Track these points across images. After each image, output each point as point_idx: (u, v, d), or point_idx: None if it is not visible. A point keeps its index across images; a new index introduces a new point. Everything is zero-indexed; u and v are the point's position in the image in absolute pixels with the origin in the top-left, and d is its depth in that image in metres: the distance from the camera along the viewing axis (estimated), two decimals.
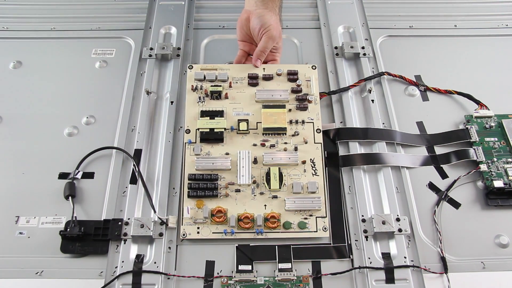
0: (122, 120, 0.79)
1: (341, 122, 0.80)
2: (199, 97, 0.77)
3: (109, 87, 0.85)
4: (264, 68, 0.81)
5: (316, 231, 0.67)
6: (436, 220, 0.69)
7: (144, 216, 0.68)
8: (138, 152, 0.75)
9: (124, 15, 0.97)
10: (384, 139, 0.77)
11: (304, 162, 0.72)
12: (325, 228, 0.67)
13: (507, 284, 0.64)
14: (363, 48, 0.89)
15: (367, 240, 0.67)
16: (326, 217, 0.68)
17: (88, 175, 0.73)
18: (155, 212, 0.68)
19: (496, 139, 0.76)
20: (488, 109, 0.80)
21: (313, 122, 0.76)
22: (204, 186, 0.69)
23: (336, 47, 0.90)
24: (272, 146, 0.73)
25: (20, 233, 0.68)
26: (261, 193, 0.70)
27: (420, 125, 0.80)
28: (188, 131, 0.74)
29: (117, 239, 0.66)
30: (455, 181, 0.73)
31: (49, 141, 0.78)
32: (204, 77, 0.79)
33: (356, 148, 0.76)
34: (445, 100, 0.84)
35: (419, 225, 0.69)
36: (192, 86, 0.78)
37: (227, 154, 0.72)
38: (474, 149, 0.75)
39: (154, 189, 0.72)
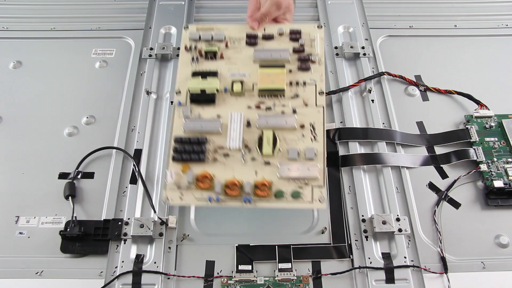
0: (122, 120, 0.79)
1: (341, 122, 0.80)
2: (193, 58, 0.70)
3: (109, 87, 0.85)
4: (264, 28, 0.73)
5: (312, 202, 0.60)
6: (436, 220, 0.69)
7: (144, 216, 0.68)
8: (138, 152, 0.75)
9: (124, 15, 0.97)
10: (384, 139, 0.77)
11: (302, 127, 0.64)
12: (322, 199, 0.60)
13: (507, 284, 0.64)
14: (363, 48, 0.89)
15: (367, 240, 0.67)
16: (323, 187, 0.60)
17: (88, 175, 0.73)
18: (155, 212, 0.68)
19: (496, 139, 0.76)
20: (488, 109, 0.80)
21: (315, 84, 0.67)
22: (190, 149, 0.62)
23: (336, 47, 0.90)
24: (268, 108, 0.66)
25: (20, 233, 0.68)
26: (253, 159, 0.62)
27: (420, 125, 0.80)
28: (178, 93, 0.67)
29: (117, 239, 0.66)
30: (455, 181, 0.73)
31: (49, 141, 0.78)
32: (200, 37, 0.72)
33: (356, 148, 0.76)
34: (445, 100, 0.84)
35: (419, 225, 0.69)
36: (186, 46, 0.71)
37: (218, 116, 0.65)
38: (474, 149, 0.75)
39: (154, 189, 0.72)
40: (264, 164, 0.62)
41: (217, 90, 0.67)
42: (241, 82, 0.67)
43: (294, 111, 0.65)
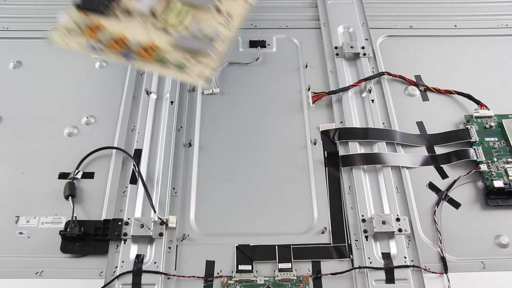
0: (122, 120, 0.79)
1: (341, 122, 0.80)
2: None
3: (109, 87, 0.85)
4: None
5: (193, 76, 0.58)
6: (436, 220, 0.69)
7: (144, 216, 0.68)
8: (138, 152, 0.75)
9: None
10: (384, 139, 0.77)
11: (218, 11, 0.63)
12: (204, 77, 0.58)
13: (507, 284, 0.64)
14: (363, 48, 0.89)
15: (367, 240, 0.67)
16: (212, 69, 0.58)
17: (88, 175, 0.73)
18: (155, 212, 0.68)
19: (496, 139, 0.76)
20: (488, 109, 0.80)
21: None
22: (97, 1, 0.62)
23: (336, 47, 0.90)
24: None
25: (20, 233, 0.68)
26: (153, 24, 0.61)
27: (420, 125, 0.80)
28: None
29: (117, 239, 0.66)
30: (455, 181, 0.73)
31: (49, 141, 0.78)
32: None
33: (356, 148, 0.76)
34: (445, 100, 0.84)
35: (419, 225, 0.69)
36: None
37: None
38: (474, 149, 0.75)
39: (154, 189, 0.72)
40: (162, 31, 0.60)
41: None
42: None
43: None
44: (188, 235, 0.67)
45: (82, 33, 0.60)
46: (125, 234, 0.66)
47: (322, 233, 0.68)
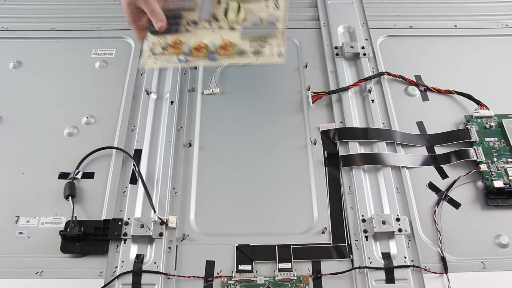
0: (122, 120, 0.79)
1: (341, 122, 0.80)
2: None
3: (109, 87, 0.85)
4: None
5: (271, 57, 0.67)
6: (436, 220, 0.69)
7: (144, 216, 0.68)
8: (138, 152, 0.75)
9: (124, 15, 0.96)
10: (384, 139, 0.77)
11: None
12: (280, 54, 0.67)
13: (507, 284, 0.64)
14: (363, 48, 0.89)
15: (367, 240, 0.67)
16: (282, 46, 0.69)
17: (88, 175, 0.73)
18: (155, 212, 0.68)
19: (496, 139, 0.76)
20: (488, 109, 0.80)
21: None
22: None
23: (336, 47, 0.90)
24: None
25: (20, 233, 0.68)
26: (220, 27, 0.71)
27: (420, 125, 0.80)
28: None
29: (117, 239, 0.66)
30: (455, 181, 0.73)
31: (49, 141, 0.78)
32: None
33: (356, 148, 0.76)
34: (445, 100, 0.84)
35: (419, 225, 0.69)
36: None
37: None
38: (474, 149, 0.75)
39: (154, 189, 0.72)
40: (230, 30, 0.71)
41: None
42: None
43: None
44: (188, 235, 0.68)
45: (167, 52, 0.69)
46: (125, 234, 0.66)
47: (322, 233, 0.68)
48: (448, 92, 0.84)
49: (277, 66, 0.88)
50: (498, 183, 0.70)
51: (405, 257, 0.65)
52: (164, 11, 0.72)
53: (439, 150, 0.77)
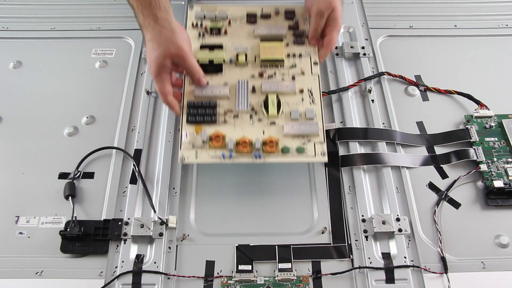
0: (122, 120, 0.79)
1: (341, 122, 0.80)
2: (199, 33, 0.78)
3: (109, 87, 0.85)
4: (262, 8, 0.81)
5: (315, 156, 0.67)
6: (436, 220, 0.69)
7: (144, 216, 0.68)
8: (138, 152, 0.75)
9: (124, 15, 0.97)
10: (384, 139, 0.77)
11: (301, 91, 0.72)
12: (323, 153, 0.67)
13: (507, 284, 0.64)
14: (363, 48, 0.89)
15: (367, 240, 0.67)
16: (324, 143, 0.68)
17: (88, 175, 0.73)
18: (155, 212, 0.68)
19: (496, 139, 0.76)
20: (488, 109, 0.80)
21: (310, 56, 0.76)
22: (202, 112, 0.69)
23: (336, 47, 0.90)
24: (270, 76, 0.73)
25: (20, 233, 0.68)
26: (259, 120, 0.69)
27: (420, 125, 0.80)
28: None
29: (117, 239, 0.66)
30: (455, 181, 0.73)
31: (49, 141, 0.78)
32: (204, 16, 0.80)
33: (356, 148, 0.76)
34: (445, 100, 0.84)
35: (419, 225, 0.69)
36: (193, 23, 0.79)
37: (225, 84, 0.72)
38: (474, 149, 0.75)
39: (154, 189, 0.72)
40: (270, 124, 0.69)
41: (224, 61, 0.74)
42: (245, 54, 0.75)
43: (293, 78, 0.73)
44: (188, 235, 0.67)
45: (208, 146, 0.67)
46: (125, 234, 0.66)
47: (322, 233, 0.68)
48: (448, 92, 0.84)
49: None
50: (498, 183, 0.70)
51: (405, 257, 0.65)
52: (198, 99, 0.70)
53: (439, 150, 0.77)
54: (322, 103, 0.71)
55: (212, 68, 0.73)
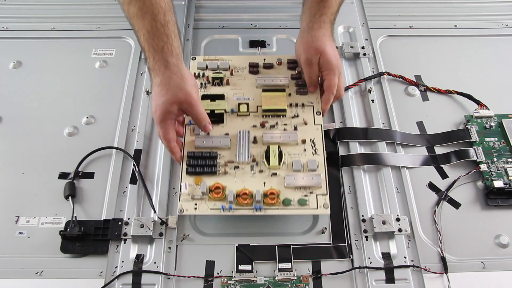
0: (122, 120, 0.79)
1: (341, 122, 0.80)
2: (201, 83, 0.77)
3: (109, 87, 0.85)
4: (264, 58, 0.81)
5: (317, 208, 0.65)
6: (436, 220, 0.69)
7: (144, 216, 0.68)
8: (138, 152, 0.75)
9: (124, 15, 0.97)
10: (384, 139, 0.77)
11: (304, 142, 0.71)
12: (326, 206, 0.65)
13: (507, 284, 0.64)
14: (363, 48, 0.89)
15: (367, 240, 0.67)
16: (326, 194, 0.66)
17: (88, 175, 0.73)
18: (155, 212, 0.68)
19: (496, 139, 0.76)
20: (488, 109, 0.80)
21: (313, 105, 0.75)
22: (202, 163, 0.68)
23: (336, 47, 0.90)
24: (272, 127, 0.72)
25: (20, 233, 0.68)
26: (261, 171, 0.68)
27: (420, 125, 0.80)
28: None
29: (117, 239, 0.66)
30: (455, 181, 0.72)
31: (49, 141, 0.78)
32: (207, 66, 0.79)
33: (356, 148, 0.76)
34: (445, 100, 0.84)
35: (419, 225, 0.69)
36: (195, 73, 0.78)
37: (226, 134, 0.71)
38: (474, 149, 0.75)
39: (154, 189, 0.72)
40: (271, 175, 0.68)
41: (225, 111, 0.74)
42: (247, 104, 0.74)
43: (295, 128, 0.72)
44: (188, 235, 0.67)
45: (208, 197, 0.66)
46: (125, 234, 0.66)
47: (322, 233, 0.68)
48: (448, 92, 0.84)
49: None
50: (498, 183, 0.70)
51: (405, 257, 0.65)
52: (199, 149, 0.70)
53: (439, 150, 0.77)
54: (325, 154, 0.70)
55: (213, 118, 0.72)
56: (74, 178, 0.72)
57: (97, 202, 0.70)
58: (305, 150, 0.70)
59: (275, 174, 0.68)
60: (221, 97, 0.75)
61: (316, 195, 0.66)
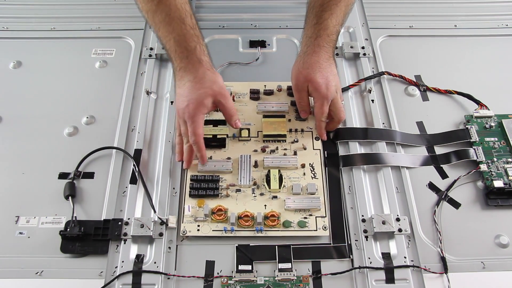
0: (122, 120, 0.79)
1: None
2: None
3: (109, 87, 0.85)
4: (265, 85, 0.83)
5: (316, 230, 0.67)
6: (436, 220, 0.69)
7: (144, 216, 0.68)
8: (138, 152, 0.75)
9: (124, 15, 0.97)
10: (384, 139, 0.77)
11: (303, 166, 0.73)
12: (325, 227, 0.68)
13: (507, 284, 0.64)
14: (363, 48, 0.89)
15: (367, 240, 0.67)
16: (325, 216, 0.69)
17: (88, 175, 0.73)
18: (155, 212, 0.68)
19: (496, 139, 0.76)
20: (488, 109, 0.80)
21: (312, 131, 0.78)
22: (205, 186, 0.71)
23: (336, 47, 0.90)
24: (272, 151, 0.75)
25: (20, 233, 0.68)
26: (261, 194, 0.71)
27: (420, 125, 0.80)
28: None
29: (117, 239, 0.66)
30: (455, 181, 0.72)
31: (49, 141, 0.78)
32: None
33: (356, 148, 0.76)
34: (445, 100, 0.84)
35: (419, 225, 0.69)
36: None
37: (228, 158, 0.74)
38: (474, 149, 0.75)
39: (154, 189, 0.72)
40: (272, 198, 0.70)
41: (227, 136, 0.76)
42: (248, 130, 0.77)
43: (295, 153, 0.75)
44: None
45: (210, 219, 0.68)
46: (125, 234, 0.66)
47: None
48: (448, 92, 0.84)
49: (278, 66, 0.88)
50: (498, 183, 0.70)
51: (405, 257, 0.65)
52: (202, 173, 0.72)
53: (439, 150, 0.77)
54: (325, 175, 0.73)
55: (216, 142, 0.75)
56: (74, 178, 0.72)
57: (97, 202, 0.70)
58: (304, 174, 0.73)
59: (275, 197, 0.70)
60: (223, 122, 0.77)
61: (316, 217, 0.69)
